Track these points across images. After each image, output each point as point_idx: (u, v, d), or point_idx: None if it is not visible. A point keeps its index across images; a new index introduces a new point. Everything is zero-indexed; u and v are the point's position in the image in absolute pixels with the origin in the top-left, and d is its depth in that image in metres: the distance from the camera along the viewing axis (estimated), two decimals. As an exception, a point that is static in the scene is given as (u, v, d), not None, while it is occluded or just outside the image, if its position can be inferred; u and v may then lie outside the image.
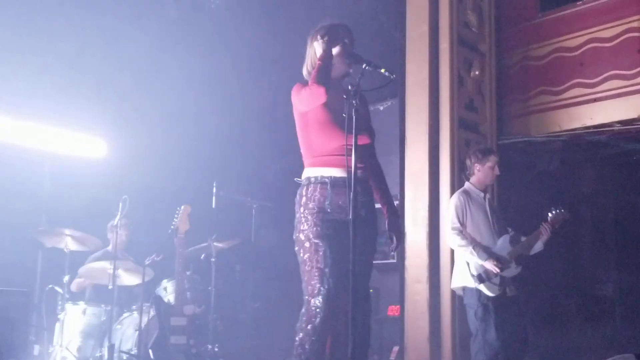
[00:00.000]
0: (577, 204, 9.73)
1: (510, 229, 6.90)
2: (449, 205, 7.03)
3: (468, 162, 7.08)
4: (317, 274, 4.42)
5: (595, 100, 8.33)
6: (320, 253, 4.45)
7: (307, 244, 4.51)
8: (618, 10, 8.27)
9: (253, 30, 10.43)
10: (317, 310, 4.37)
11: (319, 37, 4.78)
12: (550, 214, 6.73)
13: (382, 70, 4.35)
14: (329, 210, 4.53)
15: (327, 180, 4.56)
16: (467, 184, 7.05)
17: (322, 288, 4.38)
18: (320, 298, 4.37)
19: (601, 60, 8.34)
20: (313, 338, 4.37)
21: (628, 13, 8.16)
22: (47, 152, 8.97)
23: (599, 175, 9.99)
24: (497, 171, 6.94)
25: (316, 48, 4.76)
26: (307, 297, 4.46)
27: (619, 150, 9.05)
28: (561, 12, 8.87)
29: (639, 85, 7.97)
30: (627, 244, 9.53)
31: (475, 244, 6.62)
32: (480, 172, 6.93)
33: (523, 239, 6.78)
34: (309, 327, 4.39)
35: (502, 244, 6.73)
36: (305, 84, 4.74)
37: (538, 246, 6.77)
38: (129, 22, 9.59)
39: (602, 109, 8.28)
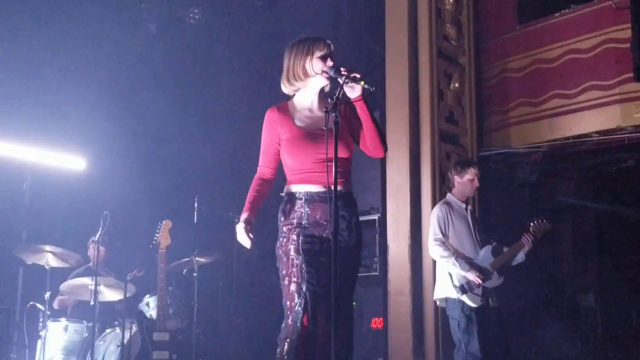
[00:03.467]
0: (558, 214, 9.78)
1: (492, 240, 6.91)
2: (430, 216, 7.03)
3: (449, 174, 7.11)
4: (294, 288, 4.41)
5: (574, 111, 8.39)
6: (297, 267, 4.43)
7: (285, 259, 4.51)
8: (596, 22, 8.33)
9: (233, 45, 10.44)
10: (296, 324, 4.36)
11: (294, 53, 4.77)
12: (532, 225, 6.76)
13: (362, 83, 4.34)
14: (306, 225, 4.53)
15: (302, 196, 4.56)
16: (448, 195, 7.07)
17: (299, 302, 4.37)
18: (298, 311, 4.37)
19: (580, 71, 8.39)
20: (292, 353, 4.35)
21: (606, 24, 8.22)
22: (27, 168, 8.91)
23: (579, 186, 10.04)
24: (476, 183, 6.96)
25: None
26: (286, 312, 4.46)
27: (599, 161, 9.11)
28: (539, 24, 8.92)
29: (618, 96, 8.02)
30: (608, 254, 9.58)
31: (458, 255, 6.63)
32: (460, 184, 6.95)
33: (505, 249, 6.79)
34: (287, 341, 4.38)
35: (484, 255, 6.74)
36: (281, 103, 4.76)
37: (520, 257, 6.80)
38: (108, 37, 9.57)
39: (581, 119, 8.33)
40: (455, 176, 6.97)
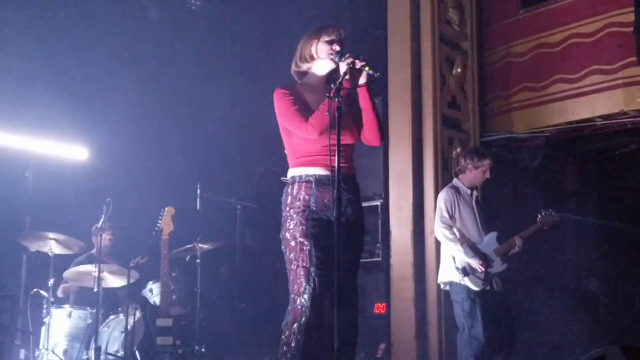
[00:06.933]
0: (561, 199, 9.77)
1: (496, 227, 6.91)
2: (438, 199, 7.01)
3: (462, 160, 7.06)
4: (302, 272, 4.43)
5: (577, 95, 8.36)
6: (306, 252, 4.46)
7: (292, 243, 4.53)
8: (598, 5, 8.30)
9: (235, 30, 10.42)
10: (303, 309, 4.38)
11: (317, 45, 4.76)
12: (539, 216, 6.74)
13: (366, 69, 4.35)
14: (314, 208, 4.55)
15: (311, 178, 4.58)
16: (455, 180, 7.06)
17: (307, 287, 4.39)
18: (306, 297, 4.38)
19: (582, 56, 8.37)
20: (299, 337, 4.37)
21: (608, 8, 8.19)
22: (30, 155, 8.91)
23: (582, 170, 10.03)
24: (487, 175, 6.96)
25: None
26: (293, 296, 4.47)
27: (602, 145, 9.10)
28: (542, 8, 8.89)
29: (621, 80, 8.00)
30: (611, 239, 9.57)
31: (463, 241, 6.64)
32: (472, 173, 6.93)
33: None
34: (294, 325, 4.40)
35: (489, 241, 6.75)
36: (286, 85, 4.76)
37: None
38: (109, 25, 9.56)
39: (584, 104, 8.31)
40: (470, 165, 6.95)
